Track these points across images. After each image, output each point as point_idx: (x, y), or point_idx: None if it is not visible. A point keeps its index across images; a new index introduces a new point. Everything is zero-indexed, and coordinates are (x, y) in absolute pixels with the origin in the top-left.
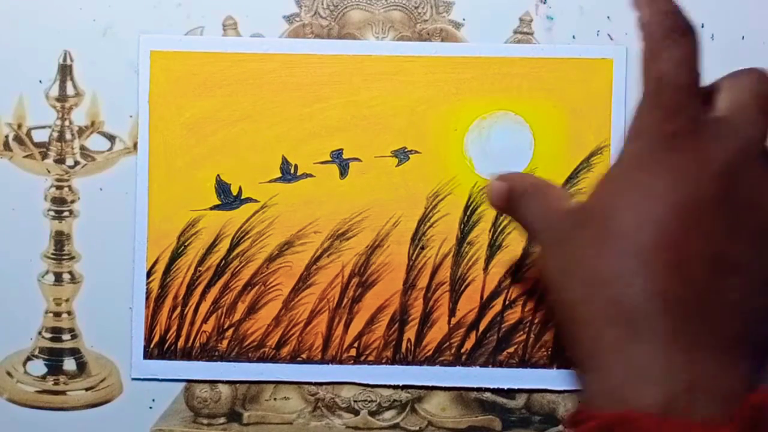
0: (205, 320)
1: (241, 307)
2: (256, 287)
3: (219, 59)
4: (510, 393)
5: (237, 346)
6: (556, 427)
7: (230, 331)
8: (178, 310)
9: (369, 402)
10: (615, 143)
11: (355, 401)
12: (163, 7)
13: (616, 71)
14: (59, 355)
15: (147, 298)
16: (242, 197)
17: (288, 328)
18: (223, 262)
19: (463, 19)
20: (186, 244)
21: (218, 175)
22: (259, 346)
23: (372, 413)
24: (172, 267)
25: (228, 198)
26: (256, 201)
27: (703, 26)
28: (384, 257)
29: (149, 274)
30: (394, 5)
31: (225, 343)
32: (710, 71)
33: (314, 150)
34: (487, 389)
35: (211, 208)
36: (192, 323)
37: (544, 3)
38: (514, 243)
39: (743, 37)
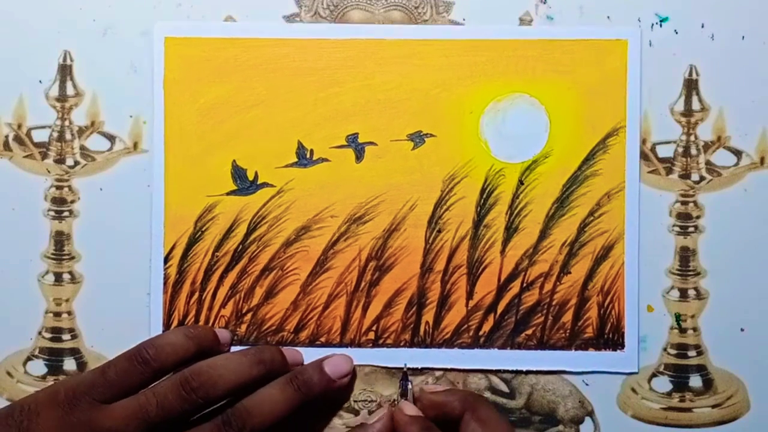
0: (223, 305)
1: (259, 292)
2: (274, 272)
3: (233, 45)
4: (512, 394)
5: (256, 331)
6: (556, 427)
7: (248, 316)
8: (196, 295)
9: (369, 402)
10: (631, 124)
11: (355, 401)
12: (163, 7)
13: (631, 52)
14: (59, 355)
15: (165, 283)
16: (258, 182)
17: (306, 312)
18: (241, 247)
19: (463, 19)
20: (203, 229)
21: (234, 160)
22: (278, 330)
23: (372, 413)
24: (189, 252)
25: (244, 183)
26: (272, 186)
27: (703, 26)
28: (401, 241)
29: (167, 259)
30: (394, 5)
31: (244, 327)
32: (710, 71)
33: (329, 134)
34: (505, 371)
35: (228, 194)
36: (210, 308)
37: (544, 3)
38: (531, 225)
39: (743, 37)
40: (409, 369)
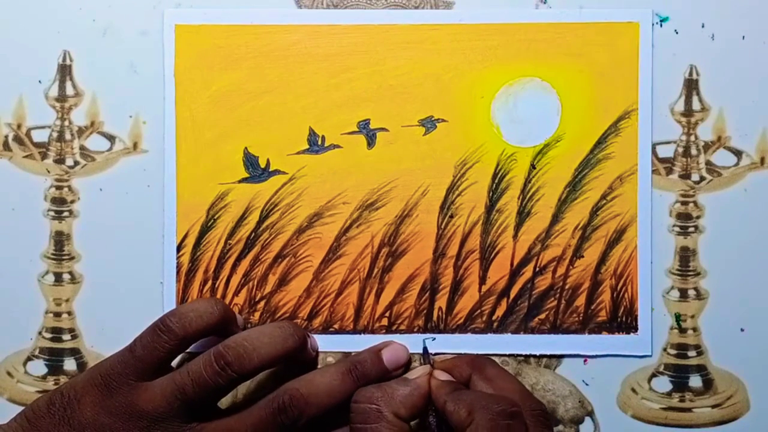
0: (236, 293)
1: (272, 279)
2: (287, 259)
3: (244, 32)
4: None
5: (269, 318)
6: (556, 427)
7: (262, 304)
8: (209, 283)
9: None
10: (643, 106)
11: None
12: (163, 7)
13: (642, 34)
14: (59, 355)
15: (177, 272)
16: (270, 169)
17: (319, 299)
18: (253, 234)
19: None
20: (215, 217)
21: (246, 147)
22: (291, 318)
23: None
24: (202, 241)
25: (256, 170)
26: (284, 173)
27: (703, 26)
28: (413, 227)
29: (179, 248)
30: (393, 5)
31: (257, 315)
32: (711, 71)
33: (341, 121)
34: (519, 355)
35: (240, 181)
36: (224, 296)
37: (545, 3)
38: (543, 209)
39: (743, 37)
40: (427, 347)
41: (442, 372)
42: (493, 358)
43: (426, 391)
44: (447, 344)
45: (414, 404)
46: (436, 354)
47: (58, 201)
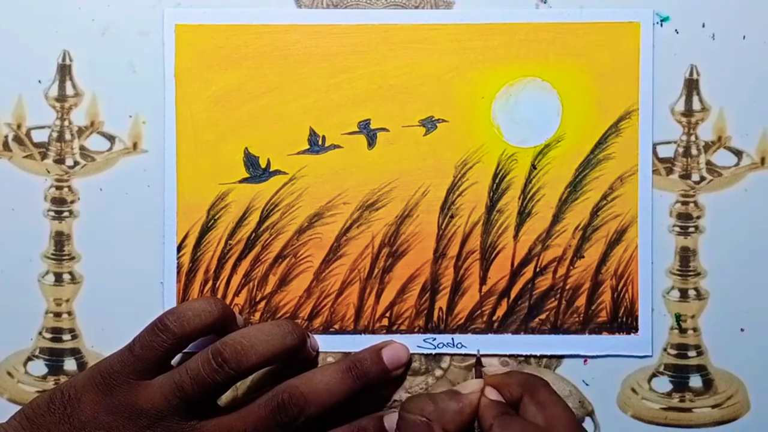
0: (237, 293)
1: (273, 280)
2: (287, 259)
3: (244, 31)
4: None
5: (269, 318)
6: None
7: (262, 304)
8: (210, 283)
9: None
10: (643, 107)
11: None
12: (162, 7)
13: (643, 34)
14: (60, 355)
15: (178, 272)
16: (271, 170)
17: (320, 299)
18: (254, 234)
19: None
20: (216, 217)
21: (246, 148)
22: (292, 318)
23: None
24: (202, 241)
25: (257, 171)
26: (284, 173)
27: (704, 26)
28: (413, 227)
29: (180, 248)
30: (393, 5)
31: (257, 315)
32: (711, 71)
33: (341, 121)
34: (519, 356)
35: (240, 181)
36: (224, 297)
37: (545, 3)
38: (544, 210)
39: (744, 37)
40: (481, 356)
41: (493, 390)
42: (493, 358)
43: (476, 409)
44: (447, 345)
45: (463, 422)
46: (435, 354)
47: (58, 201)
